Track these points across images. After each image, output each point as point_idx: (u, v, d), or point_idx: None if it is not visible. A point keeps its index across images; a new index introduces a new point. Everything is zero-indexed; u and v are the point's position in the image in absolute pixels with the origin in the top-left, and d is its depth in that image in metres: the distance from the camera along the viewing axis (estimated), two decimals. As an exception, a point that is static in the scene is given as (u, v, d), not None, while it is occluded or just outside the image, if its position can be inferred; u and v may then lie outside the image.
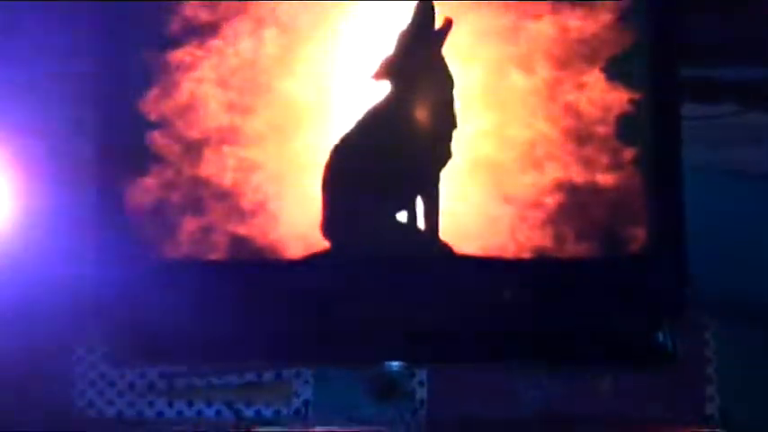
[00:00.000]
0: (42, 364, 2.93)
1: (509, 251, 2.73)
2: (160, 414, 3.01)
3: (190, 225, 2.75)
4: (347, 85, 2.76)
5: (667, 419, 2.83)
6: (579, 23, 2.74)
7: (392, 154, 2.75)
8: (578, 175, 2.73)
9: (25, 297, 2.81)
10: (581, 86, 2.73)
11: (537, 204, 2.74)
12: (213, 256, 2.75)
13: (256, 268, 2.76)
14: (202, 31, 2.77)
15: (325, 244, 2.75)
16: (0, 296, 2.80)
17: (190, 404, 3.00)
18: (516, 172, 2.74)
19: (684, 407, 2.84)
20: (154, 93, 2.76)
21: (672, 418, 2.83)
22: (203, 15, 2.77)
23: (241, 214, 2.75)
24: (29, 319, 2.83)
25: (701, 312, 2.80)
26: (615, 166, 2.73)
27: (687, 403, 2.85)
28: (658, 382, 2.84)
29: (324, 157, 2.74)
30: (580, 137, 2.74)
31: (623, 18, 2.74)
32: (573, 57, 2.74)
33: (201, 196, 2.76)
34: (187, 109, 2.76)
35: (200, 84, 2.76)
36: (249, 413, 2.95)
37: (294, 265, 2.75)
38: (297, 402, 3.01)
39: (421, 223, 2.75)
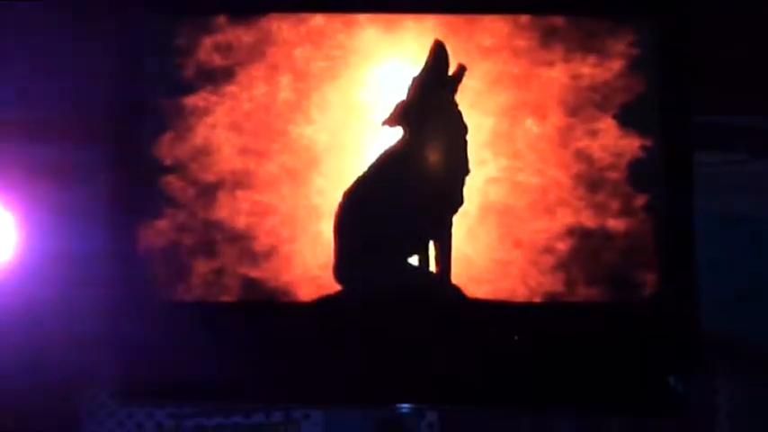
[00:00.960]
0: (51, 403, 2.94)
1: (520, 295, 2.74)
2: (169, 453, 3.03)
3: (202, 267, 2.76)
4: (360, 130, 2.78)
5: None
6: (591, 71, 2.76)
7: (405, 198, 2.76)
8: (589, 221, 2.74)
9: (34, 338, 2.82)
10: (593, 133, 2.75)
11: (548, 249, 2.74)
12: (225, 299, 2.76)
13: (268, 310, 2.76)
14: (217, 76, 2.79)
15: (336, 287, 2.75)
16: (8, 337, 2.81)
17: (199, 443, 3.01)
18: (528, 217, 2.75)
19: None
20: (168, 136, 2.77)
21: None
22: (218, 60, 2.79)
23: (254, 257, 2.76)
24: (38, 358, 2.83)
25: (711, 357, 2.80)
26: (626, 211, 2.74)
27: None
28: (668, 426, 2.84)
29: (336, 200, 2.75)
30: (592, 183, 2.75)
31: (635, 65, 2.75)
32: (585, 104, 2.76)
33: (214, 239, 2.77)
34: (201, 153, 2.77)
35: (215, 128, 2.78)
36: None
37: (306, 307, 2.75)
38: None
39: (433, 267, 2.76)
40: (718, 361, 2.83)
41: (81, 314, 2.79)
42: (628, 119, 2.74)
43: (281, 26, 2.78)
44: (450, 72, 2.74)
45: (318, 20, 2.78)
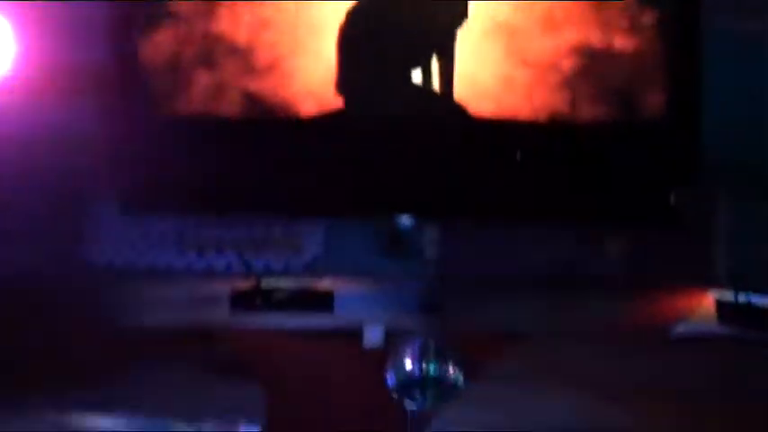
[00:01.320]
0: (55, 216, 2.94)
1: (524, 114, 2.72)
2: (170, 265, 3.05)
3: (203, 80, 2.73)
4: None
5: (677, 281, 2.85)
6: None
7: (408, 13, 2.71)
8: (596, 39, 2.70)
9: (37, 149, 2.80)
10: (601, -52, 2.69)
11: (553, 67, 2.71)
12: (226, 112, 2.74)
13: (269, 124, 2.74)
14: None
15: (338, 103, 2.73)
16: (11, 149, 2.79)
17: (200, 255, 3.03)
18: (534, 34, 2.70)
19: (694, 269, 2.86)
20: (166, -52, 2.72)
21: (681, 280, 2.85)
22: None
23: (255, 71, 2.73)
24: (40, 170, 2.82)
25: (712, 179, 2.79)
26: (634, 29, 2.69)
27: (696, 265, 2.87)
28: (668, 244, 2.85)
29: (340, 15, 2.71)
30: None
31: None
32: None
33: (215, 52, 2.73)
34: (201, -36, 2.72)
35: (215, -61, 2.71)
36: (259, 265, 2.98)
37: (307, 122, 2.73)
38: (306, 255, 3.04)
39: (436, 83, 2.73)
40: (718, 182, 2.81)
41: (83, 126, 2.76)
42: (637, -67, 2.68)
43: None
44: None
45: None
